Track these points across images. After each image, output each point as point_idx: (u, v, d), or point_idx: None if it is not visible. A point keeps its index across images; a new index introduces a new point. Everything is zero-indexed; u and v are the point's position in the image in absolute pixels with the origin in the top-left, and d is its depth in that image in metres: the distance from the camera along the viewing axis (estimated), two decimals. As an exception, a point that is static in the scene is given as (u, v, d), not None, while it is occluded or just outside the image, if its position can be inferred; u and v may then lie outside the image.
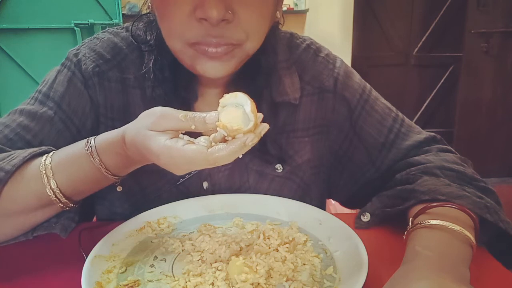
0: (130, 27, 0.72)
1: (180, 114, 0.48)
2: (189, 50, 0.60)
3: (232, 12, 0.56)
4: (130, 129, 0.53)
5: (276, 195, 0.71)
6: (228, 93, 0.72)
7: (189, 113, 0.48)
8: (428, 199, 0.58)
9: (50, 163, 0.56)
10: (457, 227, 0.51)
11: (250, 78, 0.68)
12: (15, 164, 0.55)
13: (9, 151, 0.61)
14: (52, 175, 0.55)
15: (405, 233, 0.56)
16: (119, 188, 0.70)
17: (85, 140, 0.57)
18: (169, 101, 0.67)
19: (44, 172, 0.55)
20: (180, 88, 0.68)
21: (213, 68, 0.60)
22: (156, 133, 0.48)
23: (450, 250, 0.49)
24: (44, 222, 0.59)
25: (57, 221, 0.59)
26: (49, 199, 0.56)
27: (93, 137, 0.57)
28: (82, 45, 0.73)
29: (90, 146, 0.56)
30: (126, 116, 0.70)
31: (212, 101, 0.72)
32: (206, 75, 0.61)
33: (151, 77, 0.68)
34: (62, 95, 0.69)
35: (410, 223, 0.56)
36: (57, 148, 0.61)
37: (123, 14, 2.98)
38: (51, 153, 0.58)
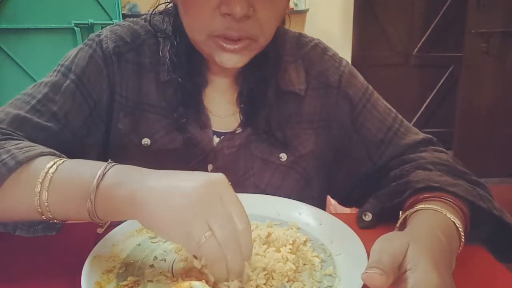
0: (149, 16, 0.77)
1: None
2: (209, 41, 0.64)
3: (253, 9, 0.61)
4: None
5: (279, 184, 0.74)
6: (236, 83, 0.76)
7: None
8: (423, 186, 0.60)
9: (53, 173, 0.51)
10: (449, 214, 0.53)
11: (258, 67, 0.72)
12: (28, 156, 0.52)
13: (38, 122, 0.65)
14: (47, 187, 0.50)
15: (397, 224, 0.58)
16: None
17: (97, 170, 0.50)
18: (182, 83, 0.72)
19: (41, 179, 0.50)
20: (192, 73, 0.73)
21: (229, 59, 0.65)
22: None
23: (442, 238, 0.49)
24: (27, 223, 0.56)
25: (39, 223, 0.56)
26: (35, 209, 0.51)
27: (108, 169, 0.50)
28: (104, 29, 0.78)
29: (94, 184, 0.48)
30: (139, 96, 0.74)
31: (221, 88, 0.77)
32: (222, 65, 0.66)
33: (167, 61, 0.73)
34: (83, 69, 0.72)
35: (400, 214, 0.58)
36: (78, 120, 0.69)
37: (123, 14, 2.99)
38: (61, 161, 0.53)
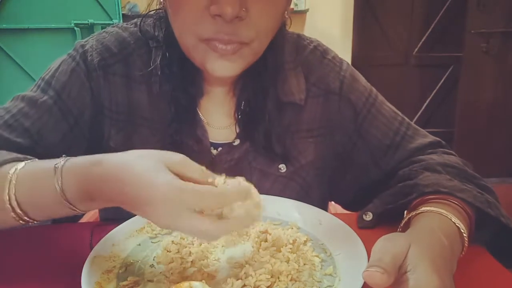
0: (139, 22, 0.73)
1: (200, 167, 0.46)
2: (200, 45, 0.60)
3: (245, 9, 0.57)
4: (114, 161, 0.46)
5: (278, 195, 0.71)
6: (233, 92, 0.73)
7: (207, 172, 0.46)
8: (431, 191, 0.59)
9: (20, 170, 0.51)
10: (454, 218, 0.52)
11: (256, 77, 0.69)
12: None
13: (7, 138, 0.62)
14: (15, 182, 0.50)
15: (401, 224, 0.58)
16: None
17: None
18: (175, 96, 0.68)
19: (10, 177, 0.50)
20: (186, 84, 0.69)
21: (222, 67, 0.61)
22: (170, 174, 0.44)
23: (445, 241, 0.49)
24: None
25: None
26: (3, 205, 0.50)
27: (70, 158, 0.50)
28: (91, 37, 0.74)
29: (60, 163, 0.49)
30: (130, 110, 0.71)
31: (217, 98, 0.73)
32: (215, 73, 0.62)
33: (159, 73, 0.68)
34: (63, 85, 0.69)
35: (405, 214, 0.58)
36: (54, 137, 0.65)
37: (123, 14, 2.99)
38: (28, 161, 0.53)
